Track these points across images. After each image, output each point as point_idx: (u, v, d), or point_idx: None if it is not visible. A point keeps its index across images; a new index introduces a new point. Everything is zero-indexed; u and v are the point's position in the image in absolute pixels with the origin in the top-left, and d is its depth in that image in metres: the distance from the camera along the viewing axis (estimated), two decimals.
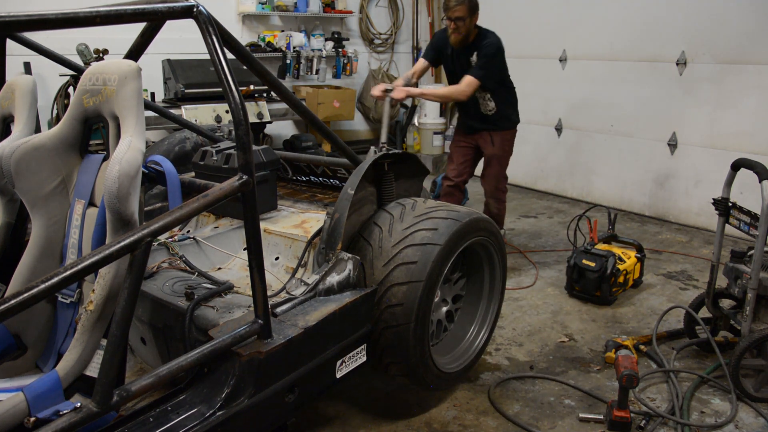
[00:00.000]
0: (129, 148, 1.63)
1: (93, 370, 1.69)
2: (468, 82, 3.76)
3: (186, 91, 5.29)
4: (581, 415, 2.48)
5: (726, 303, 2.90)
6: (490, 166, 4.15)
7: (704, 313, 2.96)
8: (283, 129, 6.89)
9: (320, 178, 2.98)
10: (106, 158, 1.83)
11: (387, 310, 2.15)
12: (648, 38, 5.18)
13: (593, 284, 3.53)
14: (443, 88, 4.17)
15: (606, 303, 3.56)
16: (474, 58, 3.83)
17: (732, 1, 4.63)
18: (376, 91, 3.71)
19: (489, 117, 4.03)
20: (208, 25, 1.69)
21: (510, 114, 4.09)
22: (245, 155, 1.67)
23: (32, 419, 1.48)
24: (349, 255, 2.14)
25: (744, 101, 4.67)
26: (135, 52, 2.06)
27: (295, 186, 3.10)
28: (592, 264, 3.52)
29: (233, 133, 2.46)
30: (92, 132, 1.96)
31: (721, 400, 2.61)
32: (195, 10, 1.67)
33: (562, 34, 5.91)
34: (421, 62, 4.09)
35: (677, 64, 5.02)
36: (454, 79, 4.00)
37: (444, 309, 2.59)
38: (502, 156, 4.12)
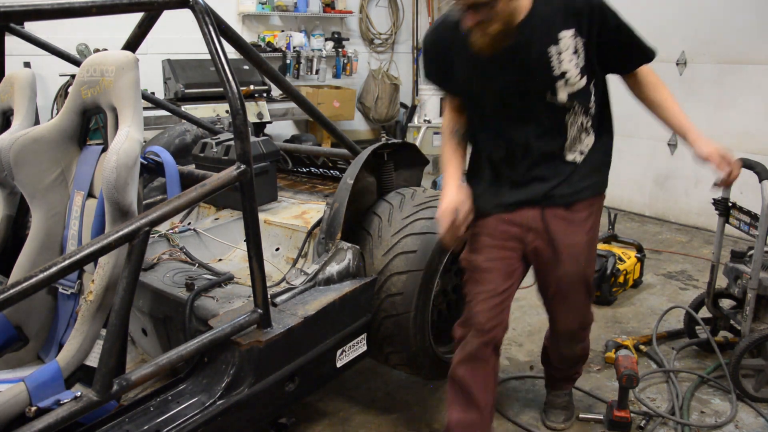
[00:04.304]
0: (127, 139, 1.64)
1: (93, 360, 1.70)
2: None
3: (186, 91, 5.31)
4: (581, 415, 2.47)
5: (726, 303, 2.89)
6: (570, 280, 2.05)
7: (704, 313, 2.95)
8: (283, 129, 6.90)
9: (320, 169, 2.99)
10: (104, 149, 1.83)
11: (387, 299, 2.15)
12: (648, 38, 5.14)
13: (593, 284, 3.51)
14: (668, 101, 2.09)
15: (606, 303, 3.54)
16: (569, 32, 1.77)
17: (732, 1, 4.61)
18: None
19: (568, 167, 1.93)
20: (205, 15, 1.69)
21: (607, 162, 2.04)
22: (243, 144, 1.67)
23: (33, 408, 1.49)
24: (349, 245, 2.15)
25: (744, 101, 4.65)
26: (132, 44, 2.06)
27: (295, 177, 3.10)
28: None
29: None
30: (92, 131, 1.98)
31: (721, 400, 2.60)
32: (191, 0, 1.68)
33: None
34: (449, 104, 2.05)
35: (677, 64, 5.00)
36: (497, 102, 1.90)
37: (444, 299, 2.59)
38: (591, 249, 2.07)
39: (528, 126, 1.88)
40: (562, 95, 1.82)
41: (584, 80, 1.83)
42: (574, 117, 1.88)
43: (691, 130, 1.97)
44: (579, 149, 1.92)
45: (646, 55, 1.97)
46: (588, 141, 1.93)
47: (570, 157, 1.92)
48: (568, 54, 1.78)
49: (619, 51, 1.92)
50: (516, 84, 1.83)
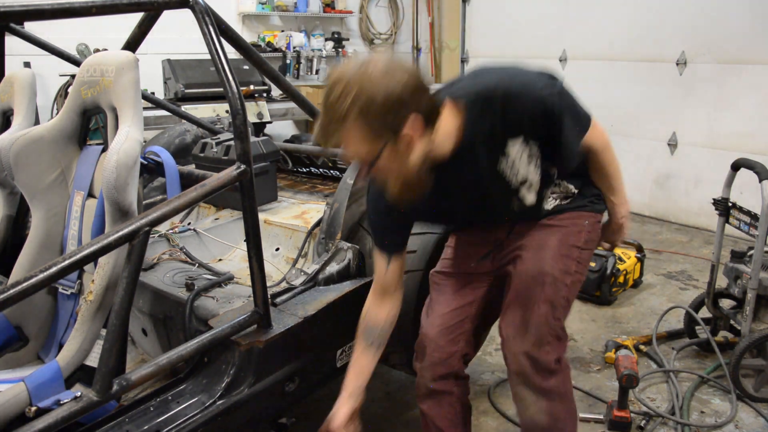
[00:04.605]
0: (127, 139, 1.64)
1: (93, 360, 1.70)
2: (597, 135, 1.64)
3: (186, 91, 5.30)
4: (581, 415, 2.46)
5: (726, 303, 2.89)
6: (525, 277, 1.69)
7: (704, 313, 2.95)
8: (283, 129, 6.89)
9: (320, 170, 2.99)
10: (104, 149, 1.83)
11: None
12: (648, 38, 5.16)
13: (593, 284, 3.52)
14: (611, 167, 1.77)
15: (606, 303, 3.55)
16: (516, 140, 1.53)
17: (732, 1, 4.61)
18: None
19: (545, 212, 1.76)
20: (205, 15, 1.69)
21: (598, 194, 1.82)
22: (243, 144, 1.67)
23: (33, 408, 1.49)
24: (349, 245, 2.15)
25: (744, 101, 4.65)
26: (132, 44, 2.06)
27: (295, 177, 3.10)
28: (592, 264, 3.51)
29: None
30: (92, 131, 1.98)
31: (721, 400, 2.61)
32: (191, 0, 1.68)
33: (562, 34, 5.89)
34: (377, 280, 1.78)
35: (677, 64, 5.00)
36: (463, 221, 1.86)
37: None
38: (562, 255, 1.70)
39: (500, 220, 1.78)
40: (530, 197, 1.66)
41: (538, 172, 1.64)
42: (544, 197, 1.72)
43: (617, 192, 1.80)
44: (561, 195, 1.75)
45: (569, 159, 1.62)
46: (571, 188, 1.75)
47: (549, 205, 1.73)
48: (522, 162, 1.57)
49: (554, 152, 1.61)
50: (478, 205, 1.68)
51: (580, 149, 1.61)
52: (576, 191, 1.75)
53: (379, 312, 1.76)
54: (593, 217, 1.77)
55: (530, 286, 1.66)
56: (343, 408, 1.75)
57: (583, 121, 1.59)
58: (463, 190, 1.61)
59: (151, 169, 2.00)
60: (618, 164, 1.74)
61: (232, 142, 2.52)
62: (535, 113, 1.47)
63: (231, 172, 1.65)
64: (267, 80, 5.76)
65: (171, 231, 2.39)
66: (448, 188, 1.58)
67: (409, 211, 1.62)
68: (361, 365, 1.76)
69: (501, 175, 1.57)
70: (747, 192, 3.80)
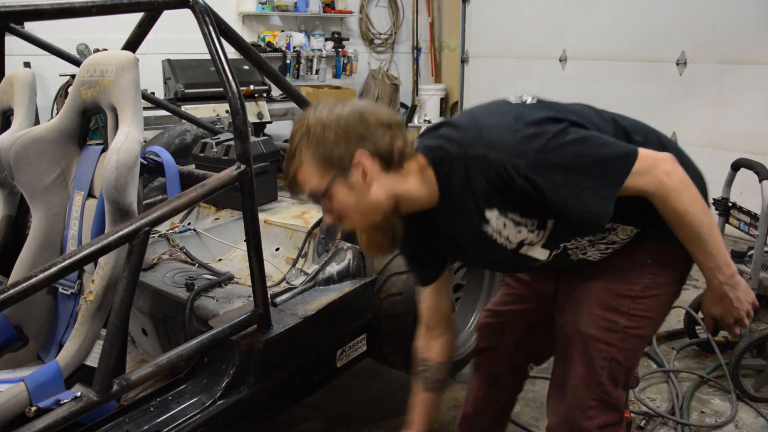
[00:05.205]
0: (127, 139, 1.64)
1: (93, 360, 1.70)
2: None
3: (186, 91, 5.31)
4: None
5: None
6: (564, 334, 1.54)
7: None
8: (283, 129, 6.89)
9: None
10: (104, 149, 1.83)
11: (387, 299, 2.15)
12: (648, 38, 5.16)
13: None
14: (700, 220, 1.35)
15: None
16: (493, 212, 1.32)
17: (732, 1, 4.61)
18: None
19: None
20: (205, 15, 1.69)
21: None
22: (243, 144, 1.67)
23: (33, 408, 1.49)
24: (349, 245, 2.15)
25: (744, 101, 4.65)
26: (132, 44, 2.06)
27: None
28: None
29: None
30: (92, 131, 1.98)
31: (721, 400, 2.61)
32: (191, 0, 1.68)
33: (562, 34, 5.89)
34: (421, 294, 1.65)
35: (677, 64, 5.00)
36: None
37: None
38: (608, 306, 1.46)
39: (532, 269, 1.58)
40: (540, 255, 1.42)
41: (551, 222, 1.36)
42: (578, 250, 1.44)
43: (706, 252, 1.37)
44: (618, 246, 1.45)
45: (593, 225, 1.34)
46: (624, 233, 1.43)
47: (607, 253, 1.46)
48: (510, 230, 1.34)
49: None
50: (490, 256, 1.48)
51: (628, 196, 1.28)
52: (633, 229, 1.42)
53: (429, 349, 1.64)
54: (660, 249, 1.42)
55: (567, 344, 1.50)
56: None
57: (610, 168, 1.25)
58: (464, 239, 1.45)
59: (151, 169, 1.99)
60: (702, 213, 1.32)
61: (232, 142, 2.52)
62: (493, 182, 1.24)
63: (231, 172, 1.65)
64: (267, 80, 5.76)
65: (171, 231, 2.39)
66: (451, 235, 1.45)
67: (433, 242, 1.51)
68: (426, 406, 1.68)
69: (492, 240, 1.37)
70: (747, 192, 3.80)
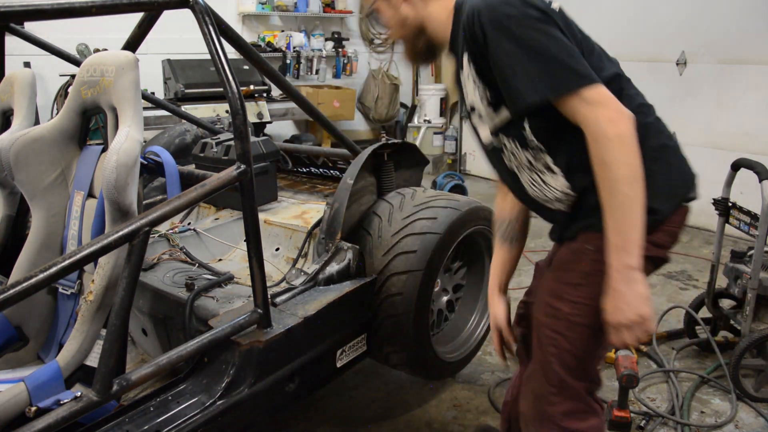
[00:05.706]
0: (127, 139, 1.64)
1: (93, 360, 1.70)
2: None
3: (186, 91, 5.31)
4: None
5: (726, 303, 2.89)
6: (536, 329, 1.55)
7: (704, 313, 2.95)
8: (283, 129, 6.90)
9: (320, 169, 2.99)
10: (104, 149, 1.83)
11: (387, 299, 2.15)
12: (648, 38, 5.16)
13: None
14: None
15: None
16: (468, 69, 1.40)
17: (732, 1, 4.62)
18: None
19: (558, 214, 1.49)
20: (205, 15, 1.69)
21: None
22: (243, 144, 1.67)
23: (33, 408, 1.49)
24: (349, 245, 2.15)
25: (744, 101, 4.66)
26: (132, 44, 2.06)
27: (295, 177, 3.10)
28: None
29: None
30: (92, 131, 1.98)
31: (721, 400, 2.61)
32: (191, 0, 1.68)
33: None
34: None
35: (677, 64, 5.00)
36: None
37: (444, 298, 2.59)
38: (556, 298, 1.46)
39: (499, 168, 1.57)
40: (484, 132, 1.48)
41: (505, 112, 1.37)
42: (513, 157, 1.45)
43: (609, 223, 1.29)
44: (552, 196, 1.42)
45: (512, 103, 1.32)
46: (557, 183, 1.40)
47: (554, 206, 1.46)
48: (470, 84, 1.40)
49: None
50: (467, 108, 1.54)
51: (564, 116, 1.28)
52: (569, 187, 1.39)
53: (503, 206, 1.72)
54: (602, 237, 1.30)
55: (536, 343, 1.52)
56: (500, 306, 1.79)
57: (555, 73, 1.24)
58: (459, 86, 1.52)
59: (151, 169, 2.00)
60: (628, 179, 1.23)
61: (232, 142, 2.52)
62: (465, 24, 1.34)
63: (231, 172, 1.65)
64: (267, 80, 5.76)
65: (171, 231, 2.39)
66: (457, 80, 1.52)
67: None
68: (501, 260, 1.77)
69: (463, 86, 1.46)
70: (747, 192, 3.80)
